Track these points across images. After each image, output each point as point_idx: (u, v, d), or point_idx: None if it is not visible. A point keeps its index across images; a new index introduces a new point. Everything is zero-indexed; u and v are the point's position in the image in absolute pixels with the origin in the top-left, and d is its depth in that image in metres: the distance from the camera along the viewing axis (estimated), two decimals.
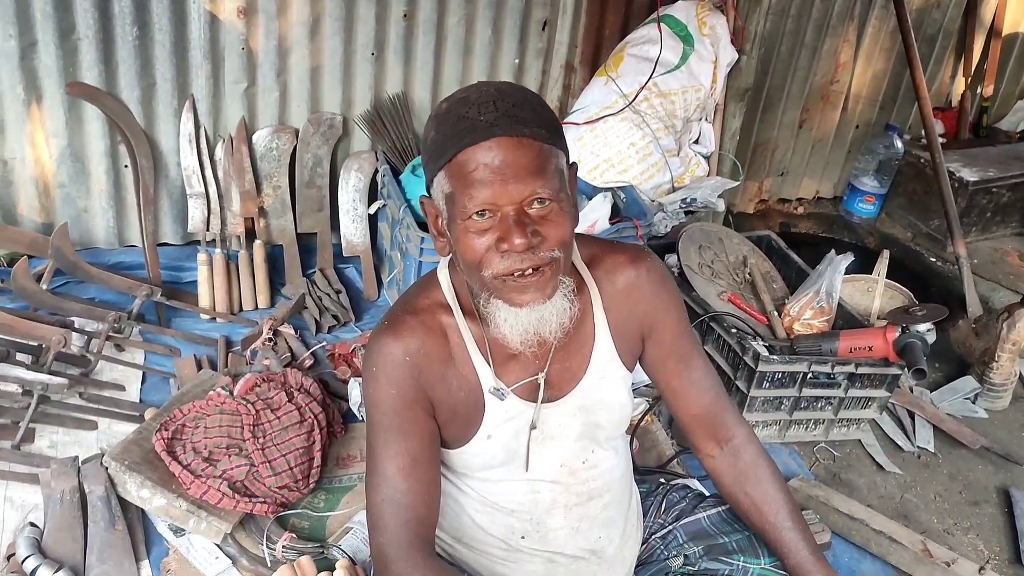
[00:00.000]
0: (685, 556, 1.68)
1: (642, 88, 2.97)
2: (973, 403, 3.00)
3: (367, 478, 1.45)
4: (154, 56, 2.63)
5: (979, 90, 4.21)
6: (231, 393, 2.21)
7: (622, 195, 2.95)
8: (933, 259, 3.73)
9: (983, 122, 4.26)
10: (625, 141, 3.00)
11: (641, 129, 3.00)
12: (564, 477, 1.54)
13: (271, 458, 2.07)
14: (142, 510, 2.02)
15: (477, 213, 1.26)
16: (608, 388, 1.52)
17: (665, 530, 1.73)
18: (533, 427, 1.49)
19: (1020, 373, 3.07)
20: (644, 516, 1.76)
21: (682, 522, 1.72)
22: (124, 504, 1.99)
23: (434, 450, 1.46)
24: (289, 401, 2.22)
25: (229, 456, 2.05)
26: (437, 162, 1.29)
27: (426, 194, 1.39)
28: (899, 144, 3.79)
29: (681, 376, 1.57)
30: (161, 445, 2.02)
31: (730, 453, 1.59)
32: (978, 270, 3.55)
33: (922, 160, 3.77)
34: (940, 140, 3.59)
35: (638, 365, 1.60)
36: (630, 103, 2.97)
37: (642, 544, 1.73)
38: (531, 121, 1.26)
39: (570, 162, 1.37)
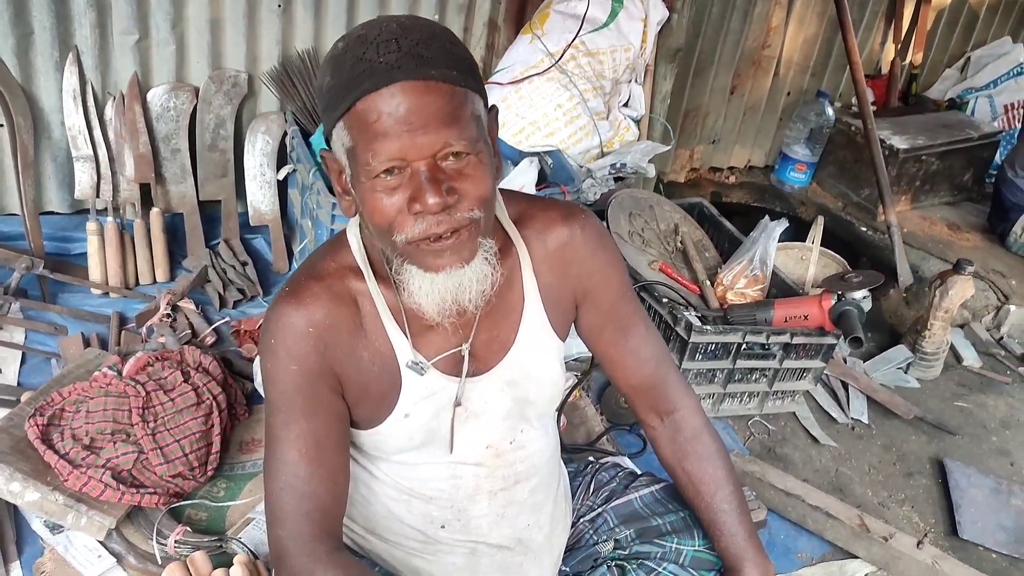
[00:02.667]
0: (616, 540, 1.56)
1: (568, 46, 2.82)
2: (905, 372, 2.95)
3: (265, 464, 1.29)
4: (29, 1, 2.37)
5: (908, 57, 4.17)
6: (119, 373, 2.00)
7: (549, 160, 2.80)
8: (864, 228, 3.68)
9: (912, 90, 4.23)
10: (552, 103, 2.84)
11: (568, 90, 2.85)
12: (489, 459, 1.39)
13: (163, 444, 1.88)
14: (13, 506, 1.80)
15: (384, 171, 1.10)
16: (539, 360, 1.37)
17: (594, 513, 1.61)
18: (457, 404, 1.34)
19: (951, 342, 3.03)
20: (572, 498, 1.63)
21: (612, 504, 1.60)
22: None
23: (341, 433, 1.30)
24: (185, 381, 2.02)
25: (114, 443, 1.85)
26: (334, 112, 1.12)
27: (326, 147, 1.21)
28: (830, 112, 3.72)
29: (619, 345, 1.44)
30: (35, 432, 1.80)
31: (671, 426, 1.48)
32: (908, 239, 3.52)
33: (853, 128, 3.70)
34: (871, 108, 3.53)
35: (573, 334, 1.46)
36: (556, 62, 2.81)
37: (570, 528, 1.60)
38: (440, 61, 1.09)
39: (489, 105, 1.20)
